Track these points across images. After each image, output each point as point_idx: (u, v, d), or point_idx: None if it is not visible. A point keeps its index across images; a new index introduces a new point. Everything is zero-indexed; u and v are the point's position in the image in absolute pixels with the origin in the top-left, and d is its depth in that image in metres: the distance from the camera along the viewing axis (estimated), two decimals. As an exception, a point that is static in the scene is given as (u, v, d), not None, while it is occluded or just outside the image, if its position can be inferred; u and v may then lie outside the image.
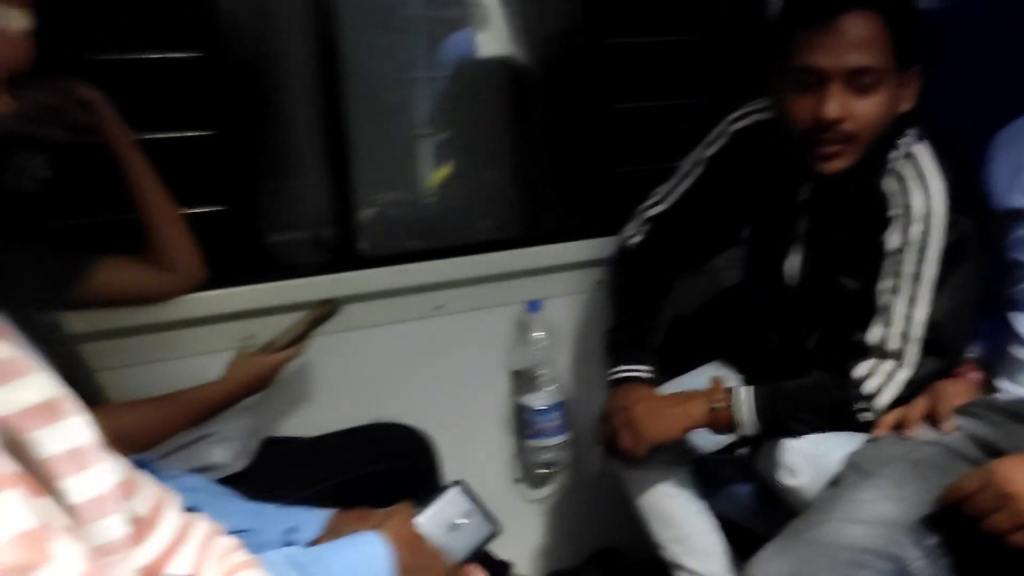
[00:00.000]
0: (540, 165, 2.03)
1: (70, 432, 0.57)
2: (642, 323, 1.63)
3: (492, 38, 2.12)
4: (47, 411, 0.56)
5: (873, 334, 1.35)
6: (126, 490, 0.64)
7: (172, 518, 0.72)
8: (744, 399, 1.39)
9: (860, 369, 1.35)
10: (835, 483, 1.23)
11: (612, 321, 1.65)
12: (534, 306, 1.78)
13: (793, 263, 1.49)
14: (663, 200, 1.65)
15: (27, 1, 0.44)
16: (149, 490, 0.71)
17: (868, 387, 1.34)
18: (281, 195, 1.75)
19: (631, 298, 1.65)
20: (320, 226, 1.74)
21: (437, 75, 2.16)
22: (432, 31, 2.20)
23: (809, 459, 1.32)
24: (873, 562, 1.11)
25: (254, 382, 1.37)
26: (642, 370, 1.56)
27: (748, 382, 1.60)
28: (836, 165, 1.33)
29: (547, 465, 1.85)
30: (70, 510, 0.56)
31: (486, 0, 2.12)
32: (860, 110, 1.29)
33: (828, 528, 1.14)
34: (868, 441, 1.28)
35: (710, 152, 1.60)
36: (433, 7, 2.26)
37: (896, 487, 1.16)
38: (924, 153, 1.35)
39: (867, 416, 1.34)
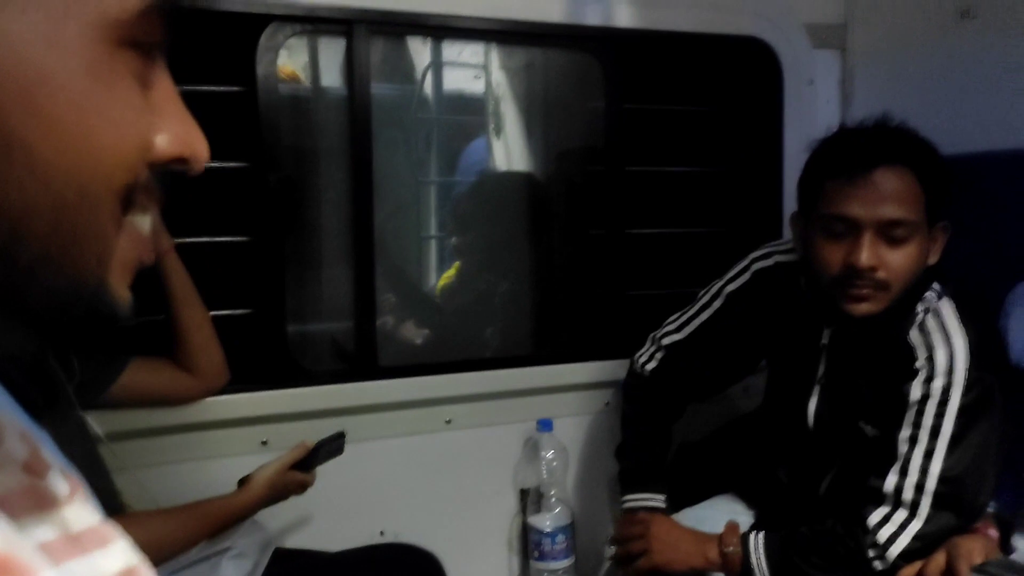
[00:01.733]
0: (553, 281, 2.06)
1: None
2: (655, 450, 1.64)
3: (508, 149, 2.18)
4: None
5: (889, 482, 1.35)
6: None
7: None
8: (757, 546, 1.40)
9: (874, 517, 1.35)
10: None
11: (625, 446, 1.66)
12: (545, 425, 1.78)
13: (813, 404, 1.51)
14: (680, 329, 1.68)
15: (158, 203, 0.45)
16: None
17: (881, 536, 1.34)
18: (305, 301, 1.76)
19: (645, 424, 1.66)
20: (340, 333, 1.75)
21: (453, 180, 2.21)
22: (448, 136, 2.26)
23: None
24: None
25: (274, 497, 1.35)
26: (656, 499, 1.57)
27: (759, 520, 1.61)
28: (866, 308, 1.36)
29: (553, 588, 1.82)
30: None
31: (504, 110, 2.19)
32: (892, 260, 1.33)
33: None
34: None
35: (731, 288, 1.63)
36: (451, 111, 2.32)
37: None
38: (948, 308, 1.39)
39: (879, 565, 1.34)
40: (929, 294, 1.40)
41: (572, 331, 2.00)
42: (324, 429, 1.47)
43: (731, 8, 1.93)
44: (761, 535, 1.43)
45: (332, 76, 1.77)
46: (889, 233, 1.33)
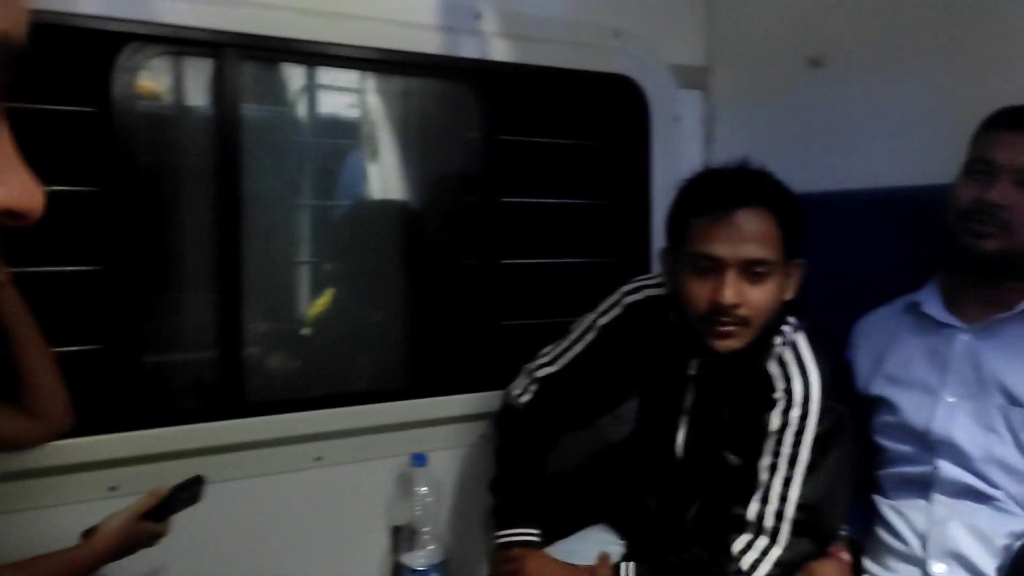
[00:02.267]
0: (427, 312, 2.04)
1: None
2: (529, 484, 1.64)
3: (384, 175, 2.14)
4: None
5: (751, 510, 1.41)
6: None
7: None
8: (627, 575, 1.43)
9: (738, 544, 1.40)
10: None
11: (499, 480, 1.65)
12: (418, 460, 1.75)
13: (680, 435, 1.55)
14: (553, 362, 1.69)
15: None
16: None
17: (744, 562, 1.39)
18: (165, 332, 1.67)
19: (519, 457, 1.66)
20: (204, 366, 1.66)
21: (326, 204, 2.15)
22: (323, 161, 2.20)
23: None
24: None
25: (123, 549, 1.26)
26: (531, 533, 1.57)
27: (630, 550, 1.63)
28: (730, 344, 1.42)
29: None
30: None
31: (380, 135, 2.16)
32: (754, 297, 1.39)
33: None
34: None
35: (603, 321, 1.66)
36: (326, 135, 2.26)
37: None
38: (803, 341, 1.46)
39: None
40: (786, 328, 1.47)
41: (446, 363, 1.98)
42: (182, 470, 1.39)
43: (601, 47, 1.98)
44: (632, 565, 1.45)
45: (199, 96, 1.69)
46: (750, 271, 1.39)
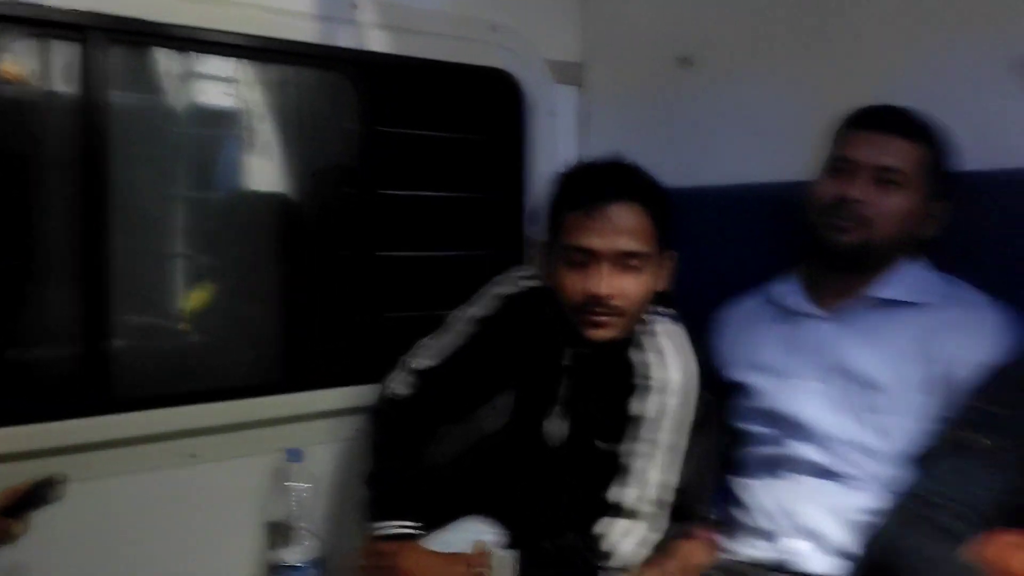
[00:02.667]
0: (303, 304, 2.00)
1: None
2: (406, 477, 1.64)
3: (262, 166, 2.09)
4: None
5: (619, 494, 1.46)
6: None
7: None
8: (504, 564, 1.45)
9: (606, 527, 1.45)
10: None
11: (375, 473, 1.64)
12: (293, 455, 1.72)
13: (553, 424, 1.58)
14: (431, 355, 1.70)
15: None
16: None
17: (611, 545, 1.44)
18: (26, 326, 1.58)
19: (396, 451, 1.66)
20: (67, 364, 1.58)
21: (201, 195, 2.08)
22: (199, 150, 2.12)
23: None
24: None
25: None
26: (408, 526, 1.56)
27: (506, 538, 1.66)
28: (604, 333, 1.46)
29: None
30: None
31: (258, 126, 2.10)
32: (627, 288, 1.44)
33: None
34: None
35: (480, 314, 1.68)
36: (202, 124, 2.18)
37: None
38: (671, 330, 1.53)
39: (609, 574, 1.43)
40: (656, 317, 1.53)
41: (323, 356, 1.95)
42: (45, 469, 1.32)
43: (478, 40, 2.00)
44: (507, 553, 1.48)
45: (66, 81, 1.60)
46: (624, 263, 1.44)
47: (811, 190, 1.51)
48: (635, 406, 1.48)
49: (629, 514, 1.45)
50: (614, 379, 1.53)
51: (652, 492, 1.44)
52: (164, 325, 1.89)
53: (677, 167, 1.85)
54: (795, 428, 1.44)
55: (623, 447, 1.47)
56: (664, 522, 1.45)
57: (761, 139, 1.85)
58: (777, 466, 1.46)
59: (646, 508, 1.45)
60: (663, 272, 1.53)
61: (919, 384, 1.36)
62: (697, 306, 1.70)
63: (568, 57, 2.18)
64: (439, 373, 1.69)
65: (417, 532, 1.57)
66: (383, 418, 1.70)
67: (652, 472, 1.45)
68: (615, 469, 1.48)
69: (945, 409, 1.31)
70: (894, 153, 1.41)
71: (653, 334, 1.52)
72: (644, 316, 1.53)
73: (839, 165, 1.46)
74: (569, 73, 2.18)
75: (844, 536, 1.34)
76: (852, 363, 1.42)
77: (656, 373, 1.49)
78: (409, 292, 1.96)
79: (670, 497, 1.44)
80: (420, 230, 2.03)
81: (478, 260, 2.07)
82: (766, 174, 1.79)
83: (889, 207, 1.41)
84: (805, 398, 1.45)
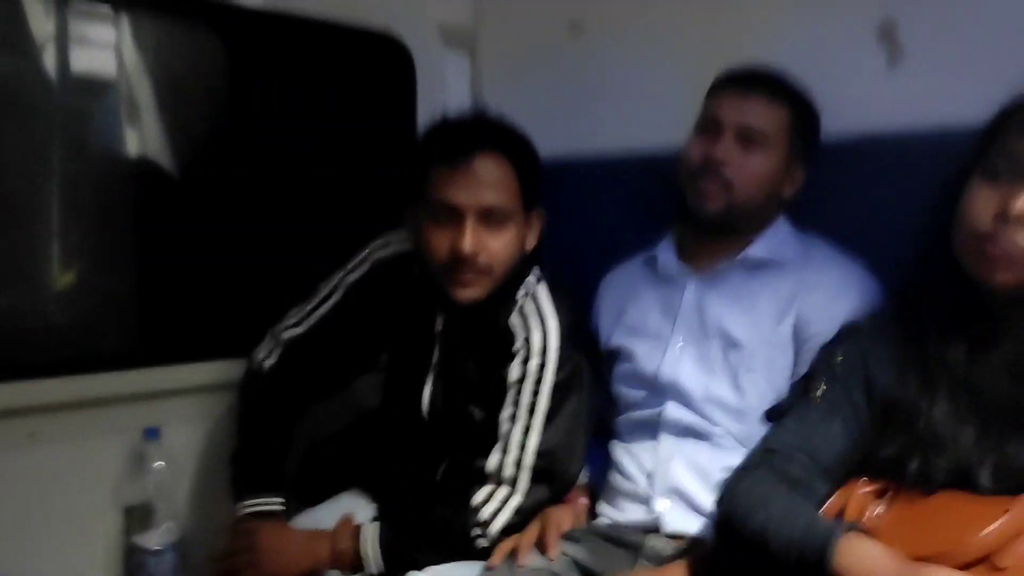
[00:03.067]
0: (166, 274, 1.88)
1: None
2: (272, 452, 1.56)
3: (139, 134, 1.98)
4: None
5: (492, 461, 1.40)
6: None
7: None
8: (369, 536, 1.38)
9: (479, 496, 1.40)
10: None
11: (239, 449, 1.56)
12: (151, 434, 1.62)
13: (426, 392, 1.51)
14: (300, 323, 1.62)
15: None
16: None
17: (484, 514, 1.38)
18: None
19: (262, 425, 1.58)
20: None
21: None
22: (75, 120, 2.00)
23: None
24: None
25: None
26: (272, 503, 1.49)
27: (380, 512, 1.58)
28: (470, 294, 1.40)
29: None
30: None
31: (139, 94, 1.99)
32: (492, 245, 1.39)
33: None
34: (484, 571, 1.30)
35: (350, 279, 1.61)
36: (78, 92, 2.06)
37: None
38: (544, 292, 1.47)
39: (483, 543, 1.37)
40: (529, 279, 1.48)
41: (185, 328, 1.83)
42: None
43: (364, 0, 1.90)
44: (373, 526, 1.41)
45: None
46: (489, 219, 1.38)
47: (682, 152, 1.48)
48: (511, 370, 1.42)
49: (502, 480, 1.40)
50: (486, 344, 1.47)
51: (527, 458, 1.39)
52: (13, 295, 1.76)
53: (569, 135, 1.83)
54: (667, 389, 1.40)
55: (502, 413, 1.42)
56: (536, 488, 1.39)
57: (650, 105, 1.80)
58: (650, 428, 1.42)
59: (519, 474, 1.39)
60: (532, 231, 1.48)
61: (781, 342, 1.34)
62: (578, 271, 1.64)
63: (459, 21, 2.10)
64: (307, 341, 1.61)
65: (280, 509, 1.50)
66: (249, 391, 1.62)
67: (527, 436, 1.40)
68: (490, 436, 1.43)
69: (802, 366, 1.29)
70: (757, 113, 1.40)
71: (528, 296, 1.47)
72: (517, 278, 1.47)
73: (706, 126, 1.44)
74: (460, 37, 2.10)
75: (707, 495, 1.31)
76: (720, 324, 1.39)
77: (532, 336, 1.43)
78: (282, 262, 1.85)
79: (542, 462, 1.39)
80: (302, 196, 1.93)
81: (362, 227, 1.98)
82: (657, 140, 1.72)
83: (751, 168, 1.39)
84: (678, 359, 1.41)
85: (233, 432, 1.60)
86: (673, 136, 1.58)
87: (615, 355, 1.51)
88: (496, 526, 1.37)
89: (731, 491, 1.07)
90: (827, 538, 0.91)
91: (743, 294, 1.40)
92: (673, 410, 1.38)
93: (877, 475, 1.06)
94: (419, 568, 1.33)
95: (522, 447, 1.39)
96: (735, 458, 1.29)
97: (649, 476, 1.38)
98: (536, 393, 1.40)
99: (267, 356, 1.61)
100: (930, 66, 1.41)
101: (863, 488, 1.05)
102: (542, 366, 1.41)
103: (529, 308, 1.46)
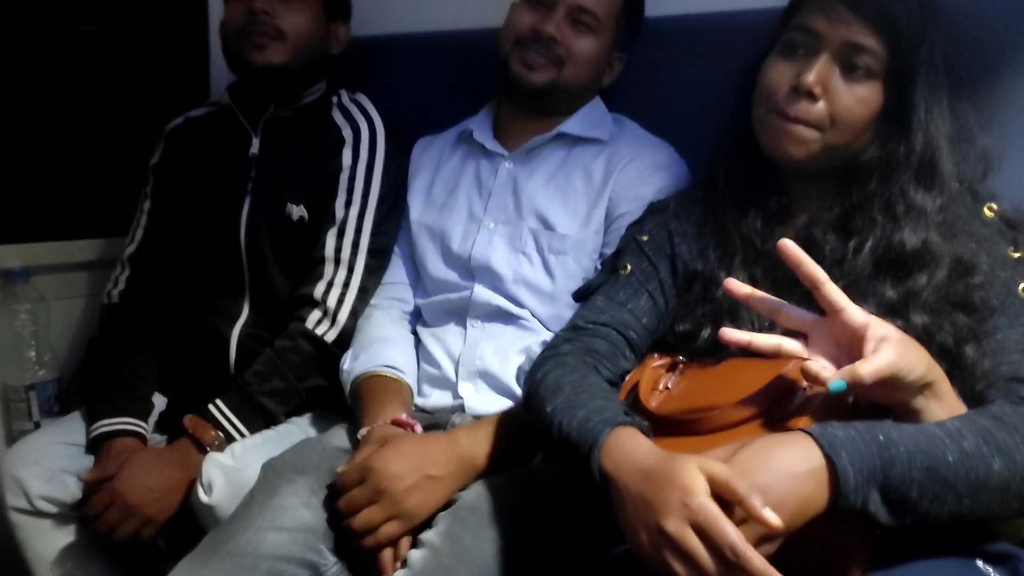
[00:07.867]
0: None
1: None
2: (122, 366, 1.48)
3: None
4: None
5: (328, 246, 1.43)
6: None
7: None
8: (222, 410, 1.37)
9: (319, 287, 1.41)
10: (253, 490, 1.16)
11: (85, 371, 1.54)
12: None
13: (244, 212, 1.50)
14: (132, 239, 1.57)
15: None
16: None
17: (330, 301, 1.40)
18: None
19: (109, 346, 1.51)
20: None
21: None
22: None
23: (228, 473, 1.26)
24: (291, 570, 1.07)
25: None
26: (128, 423, 1.41)
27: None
28: (266, 56, 1.44)
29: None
30: None
31: None
32: (285, 13, 1.45)
33: (247, 537, 1.08)
34: (289, 449, 1.24)
35: (153, 162, 1.57)
36: None
37: (313, 493, 1.14)
38: (364, 99, 1.56)
39: (331, 336, 1.40)
40: (344, 90, 1.58)
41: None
42: None
43: None
44: (221, 400, 1.37)
45: None
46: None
47: (506, 20, 1.42)
48: (343, 157, 1.46)
49: (342, 264, 1.43)
50: (310, 143, 1.49)
51: (364, 239, 1.43)
52: None
53: (376, 14, 1.74)
54: (478, 271, 1.37)
55: (336, 201, 1.45)
56: (376, 268, 1.46)
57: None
58: (459, 311, 1.38)
59: (357, 257, 1.43)
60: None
61: (594, 224, 1.33)
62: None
63: None
64: (144, 253, 1.56)
65: (140, 429, 1.44)
66: (103, 332, 1.55)
67: (362, 219, 1.43)
68: (310, 241, 1.45)
69: (609, 247, 1.30)
70: None
71: (345, 97, 1.55)
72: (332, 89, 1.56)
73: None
74: None
75: (510, 374, 1.31)
76: (534, 205, 1.37)
77: (360, 124, 1.49)
78: (67, 145, 1.69)
79: (379, 242, 1.45)
80: (79, 72, 1.74)
81: (154, 107, 1.81)
82: (466, 21, 1.70)
83: (581, 49, 1.37)
84: (489, 240, 1.37)
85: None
86: (492, 17, 1.54)
87: (424, 232, 1.46)
88: (344, 313, 1.40)
89: (534, 372, 1.05)
90: (596, 435, 0.88)
91: (558, 175, 1.38)
92: (482, 292, 1.36)
93: (668, 350, 1.08)
94: (280, 413, 1.39)
95: (359, 229, 1.42)
96: (539, 339, 1.30)
97: (456, 361, 1.35)
98: (369, 178, 1.44)
99: (114, 285, 1.56)
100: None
101: (655, 362, 1.06)
102: (372, 150, 1.45)
103: (352, 107, 1.52)
